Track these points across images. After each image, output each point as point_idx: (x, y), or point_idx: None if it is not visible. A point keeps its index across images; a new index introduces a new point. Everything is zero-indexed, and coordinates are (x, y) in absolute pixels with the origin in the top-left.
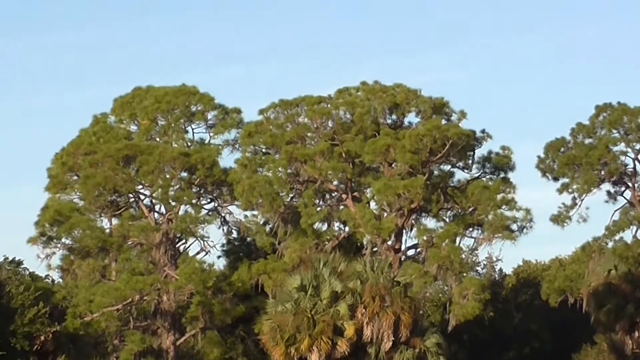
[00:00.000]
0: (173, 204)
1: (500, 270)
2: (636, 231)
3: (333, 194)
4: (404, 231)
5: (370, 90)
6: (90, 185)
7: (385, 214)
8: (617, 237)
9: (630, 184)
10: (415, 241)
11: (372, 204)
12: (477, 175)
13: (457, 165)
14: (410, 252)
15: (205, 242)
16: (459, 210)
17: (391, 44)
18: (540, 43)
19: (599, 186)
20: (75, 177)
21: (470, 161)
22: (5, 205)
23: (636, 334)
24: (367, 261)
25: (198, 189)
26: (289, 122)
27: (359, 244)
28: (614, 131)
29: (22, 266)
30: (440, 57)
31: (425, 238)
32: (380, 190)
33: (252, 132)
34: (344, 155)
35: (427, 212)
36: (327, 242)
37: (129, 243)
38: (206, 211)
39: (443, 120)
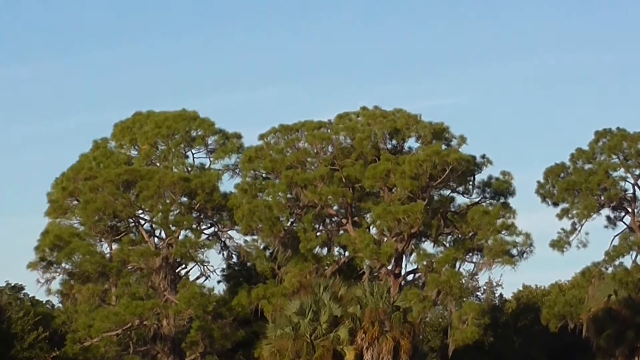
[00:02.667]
0: (173, 228)
1: (500, 295)
2: (636, 256)
3: (333, 219)
4: (404, 256)
5: (371, 116)
6: (90, 210)
7: (385, 239)
8: (616, 263)
9: (629, 210)
10: (415, 266)
11: (372, 229)
12: (477, 200)
13: (457, 190)
14: (410, 277)
15: (205, 267)
16: (459, 235)
17: (391, 69)
18: (540, 69)
19: (599, 211)
20: (76, 202)
21: (470, 186)
22: (8, 230)
23: (636, 359)
24: (367, 286)
25: (198, 213)
26: (289, 147)
27: (359, 269)
28: (614, 157)
29: (23, 291)
30: (440, 82)
31: (425, 263)
32: (380, 215)
33: (252, 157)
34: (344, 180)
35: (427, 237)
36: (327, 267)
37: (129, 268)
38: (206, 236)
39: (443, 145)
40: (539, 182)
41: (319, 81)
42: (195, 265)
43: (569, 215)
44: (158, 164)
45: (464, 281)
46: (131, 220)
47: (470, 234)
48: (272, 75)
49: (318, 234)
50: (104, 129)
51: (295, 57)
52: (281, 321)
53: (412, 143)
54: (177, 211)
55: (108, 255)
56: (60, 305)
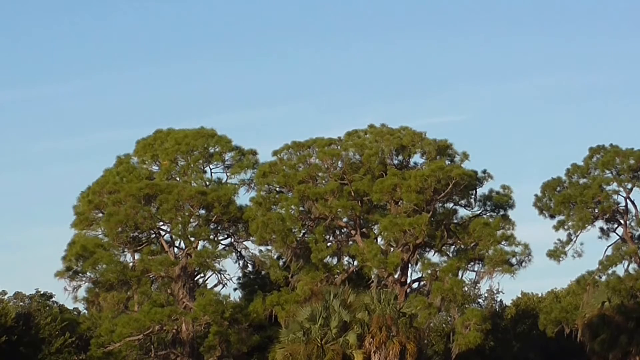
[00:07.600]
0: (191, 239)
1: (501, 301)
2: (628, 265)
3: (342, 230)
4: (410, 265)
5: (378, 133)
6: (113, 222)
7: (392, 249)
8: (610, 271)
9: (622, 221)
10: (420, 275)
11: (380, 240)
12: (478, 212)
13: (460, 203)
14: (416, 285)
15: (222, 276)
16: (461, 246)
17: (397, 88)
18: (537, 88)
19: (593, 223)
20: (100, 215)
21: (472, 199)
22: (38, 241)
23: None
24: (375, 293)
25: (215, 225)
26: (301, 162)
27: (367, 278)
28: (607, 171)
29: (52, 299)
30: (444, 101)
31: (429, 272)
32: (387, 227)
33: (266, 172)
34: (353, 194)
35: (431, 248)
36: (337, 276)
37: (150, 276)
38: (223, 246)
39: (447, 161)
40: (536, 195)
41: (329, 100)
42: (212, 274)
43: (565, 227)
44: (178, 179)
45: (466, 289)
46: (152, 232)
47: (472, 245)
48: (285, 94)
49: (328, 244)
50: (127, 146)
51: (306, 77)
52: (294, 326)
53: (417, 159)
54: (196, 223)
55: (130, 264)
56: (86, 311)
